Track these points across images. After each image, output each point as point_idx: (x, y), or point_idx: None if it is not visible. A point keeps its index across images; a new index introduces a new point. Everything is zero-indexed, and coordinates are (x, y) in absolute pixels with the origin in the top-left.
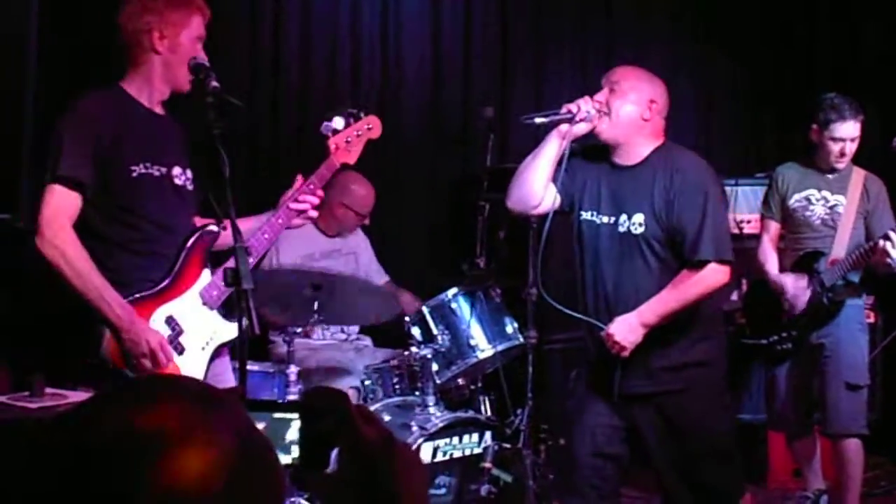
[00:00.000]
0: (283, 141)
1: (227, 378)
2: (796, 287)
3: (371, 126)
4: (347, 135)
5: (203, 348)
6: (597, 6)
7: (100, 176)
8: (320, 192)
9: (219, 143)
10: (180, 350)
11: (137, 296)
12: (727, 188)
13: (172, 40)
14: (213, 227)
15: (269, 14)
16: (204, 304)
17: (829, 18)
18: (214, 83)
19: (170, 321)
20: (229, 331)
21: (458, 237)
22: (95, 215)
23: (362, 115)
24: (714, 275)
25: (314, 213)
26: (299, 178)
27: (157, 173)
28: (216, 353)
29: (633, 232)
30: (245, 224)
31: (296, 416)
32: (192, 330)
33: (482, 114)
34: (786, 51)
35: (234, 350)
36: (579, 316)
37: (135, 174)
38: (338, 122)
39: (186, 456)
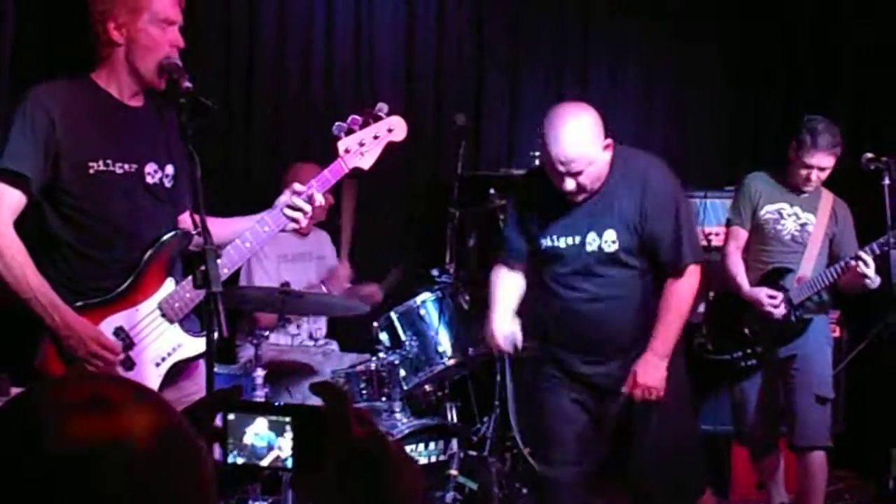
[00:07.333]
0: (255, 145)
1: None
2: (771, 299)
3: (393, 128)
4: (362, 137)
5: (158, 364)
6: (573, 11)
7: (53, 171)
8: (320, 199)
9: (190, 144)
10: (129, 365)
11: (82, 304)
12: (696, 201)
13: (130, 27)
14: (185, 231)
15: (244, 14)
16: (163, 315)
17: (811, 32)
18: (187, 83)
19: (118, 332)
20: (192, 347)
21: (428, 244)
22: (52, 215)
23: (382, 114)
24: (696, 275)
25: (304, 222)
26: (296, 183)
27: (119, 171)
28: (182, 373)
29: (607, 250)
30: (237, 225)
31: (287, 418)
32: (146, 344)
33: (454, 121)
34: (763, 58)
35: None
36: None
37: (92, 171)
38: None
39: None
